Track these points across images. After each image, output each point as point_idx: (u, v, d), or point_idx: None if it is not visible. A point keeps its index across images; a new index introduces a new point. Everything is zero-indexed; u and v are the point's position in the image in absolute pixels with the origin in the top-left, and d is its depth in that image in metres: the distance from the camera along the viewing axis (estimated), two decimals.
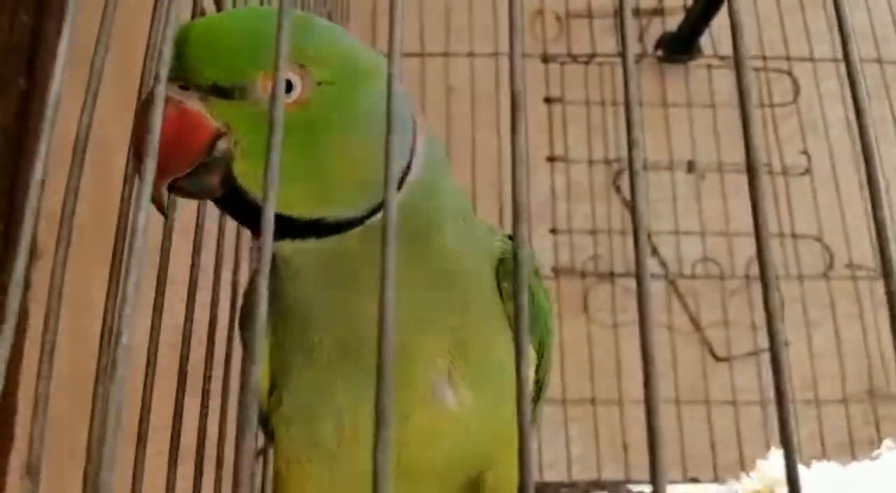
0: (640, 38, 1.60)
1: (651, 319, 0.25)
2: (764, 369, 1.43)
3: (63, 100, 0.28)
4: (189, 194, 0.42)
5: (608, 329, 1.43)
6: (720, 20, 1.48)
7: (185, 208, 0.50)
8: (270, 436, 0.56)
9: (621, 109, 1.45)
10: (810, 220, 1.50)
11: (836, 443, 1.37)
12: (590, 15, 1.58)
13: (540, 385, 0.59)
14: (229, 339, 0.60)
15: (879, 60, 1.52)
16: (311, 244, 0.44)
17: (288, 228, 0.43)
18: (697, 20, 1.50)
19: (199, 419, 0.53)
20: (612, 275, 1.47)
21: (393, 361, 0.23)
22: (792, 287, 1.46)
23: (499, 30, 1.53)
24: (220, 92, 0.40)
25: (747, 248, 1.46)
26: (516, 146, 0.25)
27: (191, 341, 0.52)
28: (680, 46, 1.57)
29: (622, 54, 0.29)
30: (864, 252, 1.47)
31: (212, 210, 0.53)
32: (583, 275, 1.47)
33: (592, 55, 1.55)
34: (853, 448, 1.37)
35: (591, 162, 1.52)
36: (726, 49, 1.54)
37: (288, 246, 0.45)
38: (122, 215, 0.39)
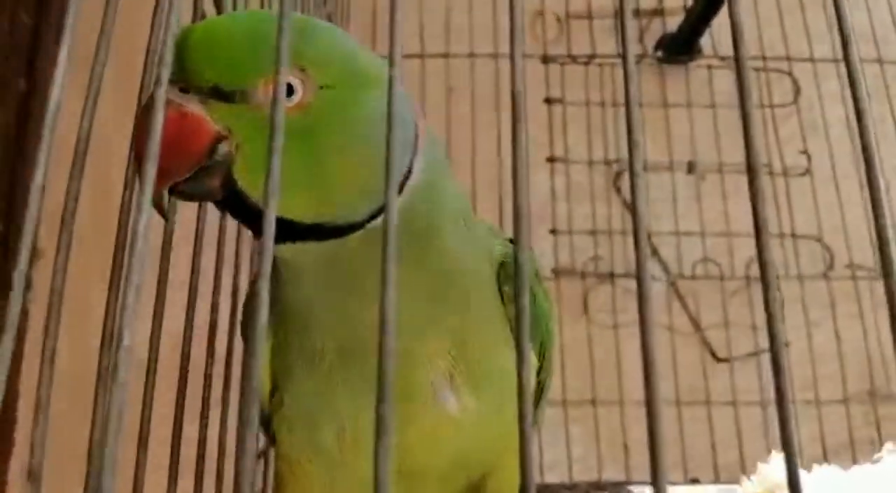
0: (641, 39, 1.60)
1: (652, 321, 0.25)
2: (764, 369, 1.43)
3: (63, 103, 0.28)
4: (189, 197, 0.42)
5: (608, 330, 1.43)
6: (720, 20, 1.48)
7: (186, 210, 0.50)
8: (271, 438, 0.56)
9: (621, 110, 1.46)
10: (810, 220, 1.50)
11: (837, 443, 1.37)
12: (590, 16, 1.58)
13: (541, 388, 0.59)
14: (230, 339, 0.60)
15: (880, 60, 1.52)
16: (311, 247, 0.44)
17: (289, 230, 0.43)
18: (697, 21, 1.50)
19: (199, 419, 0.53)
20: (612, 276, 1.47)
21: (394, 366, 0.23)
22: (792, 288, 1.46)
23: (499, 31, 1.53)
24: (221, 95, 0.40)
25: (747, 248, 1.46)
26: (517, 151, 0.25)
27: (191, 343, 0.52)
28: (680, 47, 1.57)
29: (622, 56, 0.29)
30: (865, 252, 1.47)
31: (212, 212, 0.53)
32: (583, 276, 1.47)
33: (592, 56, 1.55)
34: (854, 449, 1.37)
35: (591, 163, 1.52)
36: (726, 49, 1.54)
37: (289, 249, 0.45)
38: (123, 219, 0.39)
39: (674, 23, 1.59)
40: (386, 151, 0.25)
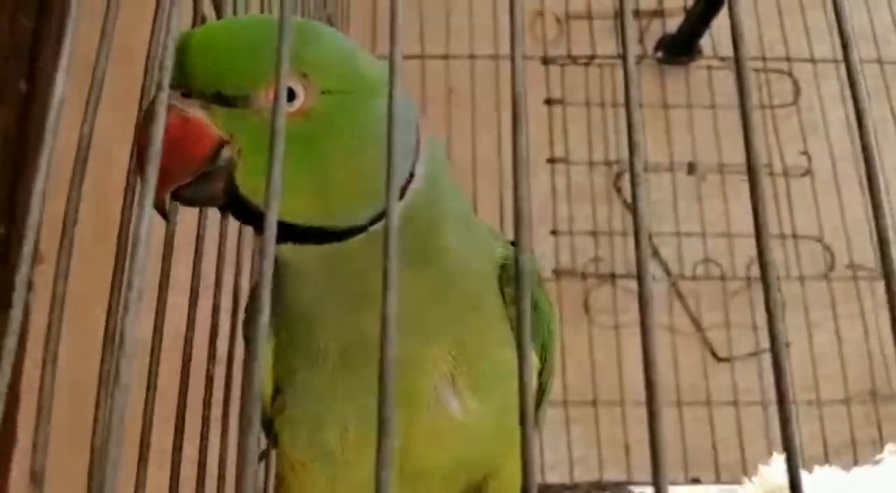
0: (640, 40, 1.60)
1: (652, 322, 0.25)
2: (765, 369, 1.43)
3: (64, 107, 0.28)
4: (191, 202, 0.42)
5: (609, 331, 1.43)
6: (720, 21, 1.48)
7: (187, 212, 0.50)
8: (273, 439, 0.56)
9: (622, 111, 1.46)
10: (811, 220, 1.50)
11: (839, 444, 1.37)
12: (590, 16, 1.58)
13: (543, 389, 0.59)
14: (231, 340, 0.60)
15: (880, 61, 1.52)
16: (314, 249, 0.44)
17: (291, 232, 0.43)
18: (697, 21, 1.50)
19: (201, 421, 0.54)
20: (613, 276, 1.47)
21: (396, 368, 0.23)
22: (793, 288, 1.46)
23: (499, 32, 1.53)
24: (223, 100, 0.40)
25: (748, 249, 1.46)
26: (517, 155, 0.25)
27: (192, 345, 0.52)
28: (680, 48, 1.57)
29: (623, 57, 0.29)
30: (866, 253, 1.47)
31: (213, 212, 0.53)
32: (584, 277, 1.47)
33: (592, 57, 1.55)
34: (855, 449, 1.37)
35: (591, 163, 1.52)
36: (726, 50, 1.54)
37: (291, 250, 0.45)
38: (124, 223, 0.39)
39: (674, 24, 1.59)
40: (387, 154, 0.25)
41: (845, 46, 0.30)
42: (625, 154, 1.47)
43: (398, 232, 0.25)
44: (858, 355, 1.42)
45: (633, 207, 0.28)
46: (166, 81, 0.27)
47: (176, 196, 0.40)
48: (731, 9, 0.30)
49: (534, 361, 0.56)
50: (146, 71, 0.45)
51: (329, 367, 0.49)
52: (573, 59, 1.56)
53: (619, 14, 0.31)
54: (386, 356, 0.22)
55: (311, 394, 0.51)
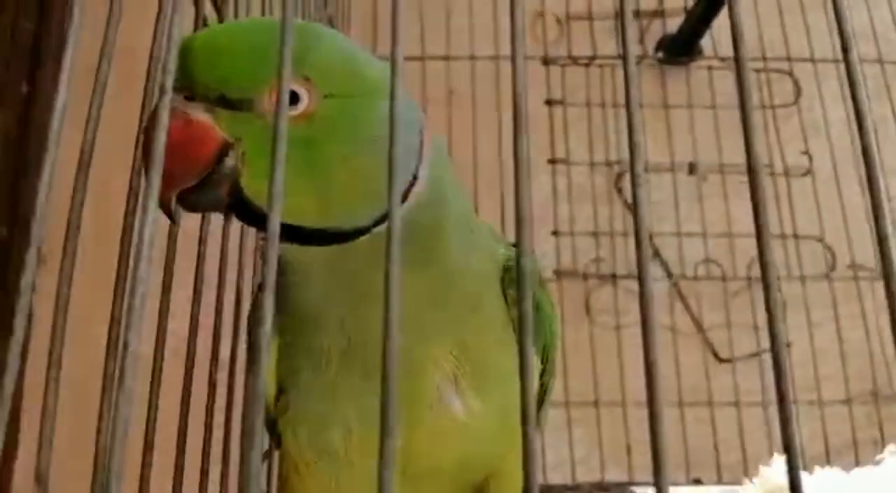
0: (641, 40, 1.60)
1: (654, 322, 0.25)
2: (766, 370, 1.43)
3: (67, 110, 0.28)
4: (195, 208, 0.42)
5: (611, 331, 1.43)
6: (721, 21, 1.48)
7: (189, 214, 0.51)
8: (276, 439, 0.56)
9: (622, 111, 1.45)
10: (812, 220, 1.50)
11: (840, 444, 1.37)
12: (590, 17, 1.58)
13: (544, 390, 0.59)
14: (234, 341, 0.61)
15: (880, 60, 1.52)
16: (318, 250, 0.44)
17: (295, 233, 0.43)
18: (698, 22, 1.50)
19: (203, 422, 0.54)
20: (614, 277, 1.47)
21: (399, 369, 0.23)
22: (794, 288, 1.46)
23: (499, 32, 1.53)
24: (227, 104, 0.40)
25: (749, 249, 1.46)
26: (518, 158, 0.25)
27: (196, 345, 0.52)
28: (681, 48, 1.57)
29: (623, 57, 0.29)
30: (867, 253, 1.47)
31: (216, 215, 0.53)
32: (585, 277, 1.47)
33: (593, 57, 1.55)
34: (857, 449, 1.37)
35: (592, 164, 1.52)
36: (727, 50, 1.54)
37: (295, 251, 0.45)
38: (127, 227, 0.39)
39: (674, 24, 1.59)
40: (388, 159, 0.25)
41: (845, 49, 0.30)
42: (625, 155, 1.47)
43: (401, 234, 0.25)
44: (860, 355, 1.42)
45: (633, 208, 0.28)
46: (169, 85, 0.28)
47: (180, 201, 0.41)
48: (731, 9, 0.30)
49: (535, 362, 0.56)
50: (149, 74, 0.45)
51: (332, 367, 0.49)
52: (574, 60, 1.56)
53: (620, 15, 0.31)
54: (388, 357, 0.22)
55: (314, 394, 0.51)
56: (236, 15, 0.65)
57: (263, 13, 0.74)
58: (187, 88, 0.40)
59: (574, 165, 1.52)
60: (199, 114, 0.40)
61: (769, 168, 1.49)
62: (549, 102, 1.54)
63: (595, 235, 1.49)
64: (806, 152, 1.52)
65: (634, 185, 0.28)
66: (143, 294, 0.23)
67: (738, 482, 0.87)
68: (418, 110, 0.47)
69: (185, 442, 0.49)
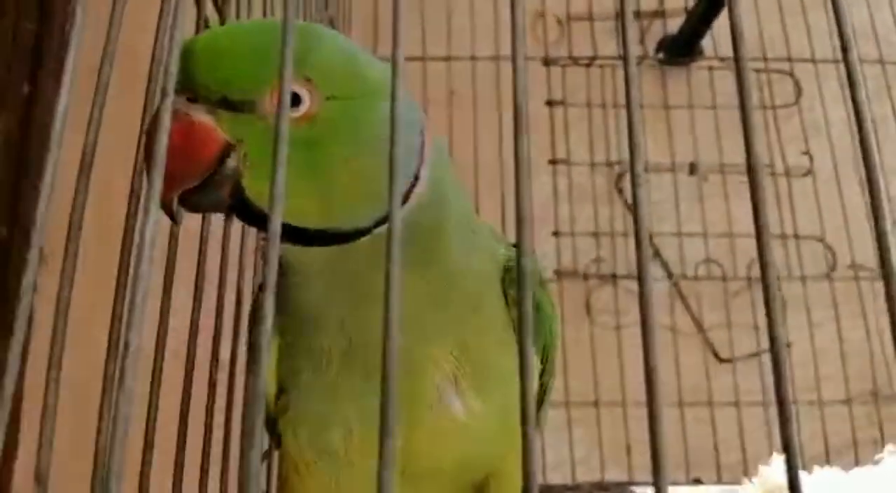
0: (642, 41, 1.60)
1: (653, 323, 0.25)
2: (766, 369, 1.43)
3: (69, 112, 0.28)
4: (197, 208, 0.43)
5: (611, 331, 1.43)
6: (721, 22, 1.48)
7: (190, 214, 0.51)
8: (276, 440, 0.56)
9: (623, 112, 1.46)
10: (813, 221, 1.50)
11: (840, 444, 1.37)
12: (591, 17, 1.58)
13: (544, 390, 0.59)
14: (234, 341, 0.61)
15: (881, 61, 1.52)
16: (319, 251, 0.44)
17: (296, 234, 0.43)
18: (698, 22, 1.50)
19: (203, 422, 0.54)
20: (614, 277, 1.47)
21: (399, 369, 0.23)
22: (794, 288, 1.46)
23: (500, 33, 1.53)
24: (229, 105, 0.40)
25: (749, 249, 1.46)
26: (519, 160, 0.25)
27: (196, 345, 0.52)
28: (681, 48, 1.57)
29: (623, 58, 0.29)
30: (867, 253, 1.47)
31: (216, 215, 0.53)
32: (585, 277, 1.47)
33: (594, 58, 1.55)
34: (856, 449, 1.37)
35: (593, 164, 1.52)
36: (727, 51, 1.54)
37: (296, 251, 0.45)
38: (129, 228, 0.40)
39: (675, 24, 1.59)
40: (389, 157, 0.25)
41: (845, 50, 0.30)
42: (626, 155, 1.47)
43: (401, 235, 0.25)
44: (860, 355, 1.43)
45: (633, 209, 0.28)
46: (171, 87, 0.28)
47: (182, 202, 0.41)
48: (731, 10, 0.30)
49: (535, 362, 0.56)
50: (151, 75, 0.45)
51: (333, 367, 0.49)
52: (574, 61, 1.56)
53: (620, 15, 0.31)
54: (388, 357, 0.23)
55: (314, 394, 0.51)
56: (238, 16, 0.66)
57: (265, 14, 0.74)
58: (189, 89, 0.40)
59: (575, 166, 1.52)
60: (201, 115, 0.40)
61: (770, 168, 1.49)
62: (549, 103, 1.54)
63: (595, 235, 1.49)
64: (806, 152, 1.52)
65: (634, 185, 0.28)
66: (144, 294, 0.23)
67: (737, 482, 0.87)
68: (419, 111, 0.47)
69: (185, 442, 0.49)
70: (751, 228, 0.27)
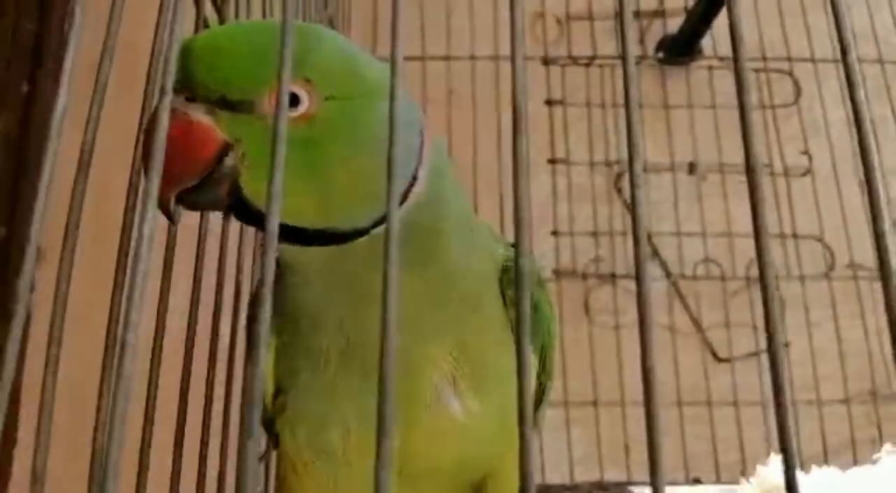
0: (641, 40, 1.60)
1: (651, 323, 0.25)
2: (765, 369, 1.43)
3: (67, 109, 0.28)
4: (195, 206, 0.43)
5: (610, 331, 1.43)
6: (721, 21, 1.48)
7: (188, 212, 0.51)
8: (274, 440, 0.56)
9: (622, 111, 1.46)
10: (811, 220, 1.50)
11: (838, 443, 1.37)
12: (590, 17, 1.58)
13: (542, 390, 0.59)
14: (232, 341, 0.61)
15: (881, 60, 1.52)
16: (317, 251, 0.44)
17: (295, 234, 0.43)
18: (698, 22, 1.50)
19: (202, 422, 0.54)
20: (613, 277, 1.47)
21: (397, 369, 0.23)
22: (793, 287, 1.46)
23: (499, 33, 1.53)
24: (227, 105, 0.40)
25: (748, 249, 1.46)
26: (518, 161, 0.25)
27: (194, 343, 0.52)
28: (681, 48, 1.57)
29: (623, 58, 0.29)
30: (866, 252, 1.47)
31: (215, 213, 0.53)
32: (584, 277, 1.47)
33: (593, 57, 1.55)
34: (855, 449, 1.37)
35: (592, 164, 1.52)
36: (727, 50, 1.54)
37: (295, 251, 0.45)
38: (126, 226, 0.40)
39: (674, 24, 1.59)
40: (387, 161, 0.25)
41: (844, 51, 0.30)
42: (625, 155, 1.46)
43: (399, 235, 0.25)
44: (858, 354, 1.43)
45: (632, 210, 0.28)
46: (170, 86, 0.28)
47: (180, 200, 0.41)
48: (730, 10, 0.30)
49: (533, 362, 0.56)
50: (149, 75, 0.45)
51: (331, 367, 0.49)
52: (574, 60, 1.56)
53: (619, 15, 0.31)
54: (386, 358, 0.23)
55: (312, 394, 0.51)
56: (237, 16, 0.66)
57: (264, 15, 0.74)
58: (188, 89, 0.40)
59: (574, 165, 1.52)
60: (200, 115, 0.40)
61: (769, 168, 1.49)
62: (549, 102, 1.54)
63: (594, 234, 1.49)
64: (806, 152, 1.52)
65: (633, 186, 0.28)
66: (142, 292, 0.23)
67: (736, 482, 0.87)
68: (419, 111, 0.47)
69: (182, 438, 0.49)
70: (750, 228, 0.27)
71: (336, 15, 1.25)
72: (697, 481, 1.30)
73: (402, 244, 0.25)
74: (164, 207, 0.40)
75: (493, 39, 1.51)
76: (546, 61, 1.56)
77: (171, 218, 0.41)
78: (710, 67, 1.57)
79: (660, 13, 1.61)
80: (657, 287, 1.47)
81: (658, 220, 1.50)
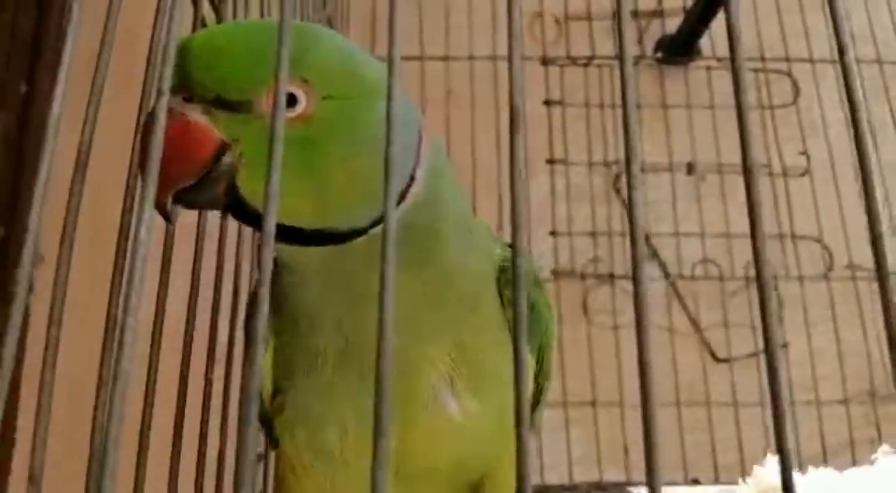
0: (640, 40, 1.60)
1: (648, 324, 0.25)
2: (764, 370, 1.43)
3: (65, 109, 0.28)
4: (192, 205, 0.43)
5: (608, 331, 1.43)
6: (719, 22, 1.48)
7: (186, 211, 0.51)
8: (272, 440, 0.56)
9: (621, 111, 1.46)
10: (810, 221, 1.50)
11: (837, 444, 1.37)
12: (589, 17, 1.58)
13: (540, 391, 0.59)
14: (230, 342, 0.61)
15: (879, 61, 1.52)
16: (315, 251, 0.44)
17: (292, 234, 0.43)
18: (696, 22, 1.50)
19: (199, 423, 0.54)
20: (612, 277, 1.47)
21: (394, 370, 0.23)
22: (792, 288, 1.46)
23: (498, 32, 1.53)
24: (225, 105, 0.40)
25: (747, 249, 1.46)
26: (515, 163, 0.25)
27: (192, 343, 0.52)
28: (679, 48, 1.57)
29: (620, 59, 0.29)
30: (864, 253, 1.47)
31: (213, 212, 0.53)
32: (583, 277, 1.47)
33: (591, 57, 1.55)
34: (854, 449, 1.37)
35: (590, 164, 1.52)
36: (725, 51, 1.54)
37: (292, 251, 0.45)
38: (124, 226, 0.40)
39: (673, 24, 1.59)
40: (384, 161, 0.25)
41: (841, 52, 0.30)
42: (623, 155, 1.46)
43: (396, 235, 0.25)
44: (857, 355, 1.43)
45: (629, 211, 0.28)
46: (167, 86, 0.28)
47: (177, 199, 0.41)
48: (727, 11, 0.30)
49: (530, 362, 0.56)
50: (147, 74, 0.45)
51: (329, 367, 0.49)
52: (572, 60, 1.56)
53: (617, 16, 0.31)
54: (382, 359, 0.23)
55: (310, 394, 0.51)
56: (235, 15, 0.66)
57: (262, 14, 0.74)
58: (185, 89, 0.40)
59: (572, 166, 1.52)
60: (197, 115, 0.40)
61: (767, 168, 1.49)
62: (547, 103, 1.54)
63: (593, 235, 1.49)
64: (804, 153, 1.52)
65: (630, 187, 0.28)
66: (139, 294, 0.23)
67: (734, 482, 0.87)
68: (417, 111, 0.47)
69: (181, 438, 0.49)
70: (748, 229, 0.27)
71: (335, 14, 1.24)
72: (696, 481, 1.30)
73: (400, 244, 0.25)
74: (160, 207, 0.40)
75: (491, 39, 1.51)
76: (544, 61, 1.56)
77: (168, 218, 0.41)
78: (709, 68, 1.57)
79: (658, 13, 1.61)
80: (656, 288, 1.47)
81: (656, 220, 1.50)
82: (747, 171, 0.28)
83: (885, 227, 0.29)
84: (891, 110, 1.50)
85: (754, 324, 1.44)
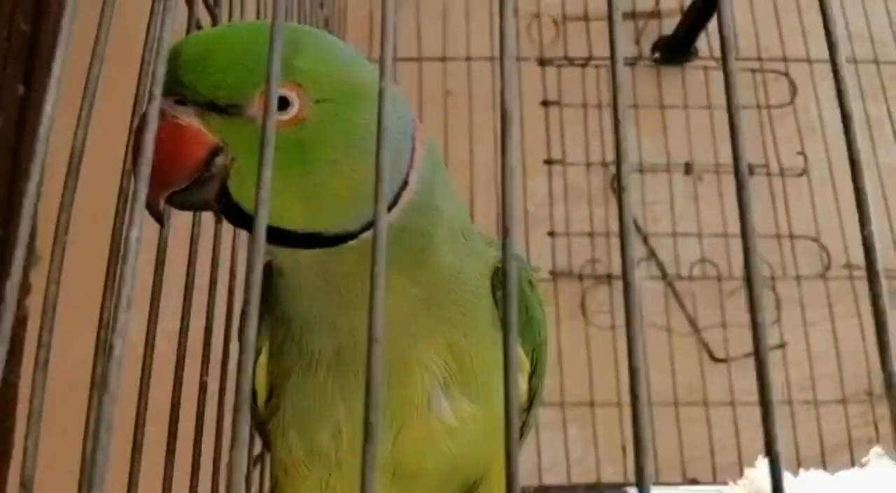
0: (637, 41, 1.61)
1: (638, 326, 0.25)
2: None
3: (58, 110, 0.28)
4: (184, 207, 0.43)
5: (606, 331, 1.43)
6: (716, 23, 1.48)
7: (181, 214, 0.51)
8: (267, 443, 0.56)
9: None
10: (807, 220, 1.50)
11: (835, 443, 1.38)
12: (586, 18, 1.58)
13: (533, 393, 0.59)
14: (226, 342, 0.61)
15: (876, 61, 1.52)
16: (307, 254, 0.44)
17: (285, 237, 0.43)
18: (694, 23, 1.50)
19: (195, 423, 0.54)
20: (609, 277, 1.47)
21: (388, 372, 0.23)
22: (789, 288, 1.46)
23: (496, 33, 1.52)
24: (217, 108, 0.40)
25: None
26: (506, 165, 0.25)
27: (186, 345, 0.52)
28: (676, 49, 1.57)
29: (612, 61, 0.29)
30: (862, 253, 1.46)
31: (207, 213, 0.53)
32: (580, 278, 1.47)
33: (589, 58, 1.55)
34: (852, 449, 1.37)
35: (588, 165, 1.52)
36: None
37: (285, 254, 0.45)
38: (117, 228, 0.40)
39: (670, 25, 1.59)
40: (375, 165, 0.25)
41: (831, 47, 0.30)
42: None
43: (388, 240, 0.25)
44: (855, 354, 1.43)
45: (619, 214, 0.28)
46: (159, 90, 0.28)
47: (170, 201, 0.41)
48: (720, 20, 0.31)
49: (524, 365, 0.56)
50: (140, 77, 0.45)
51: (322, 370, 0.49)
52: (570, 61, 1.56)
53: (608, 20, 0.31)
54: (372, 363, 0.23)
55: (304, 396, 0.51)
56: (230, 17, 0.66)
57: (258, 16, 0.74)
58: (177, 92, 0.40)
59: (570, 166, 1.52)
60: (190, 118, 0.40)
61: (765, 168, 1.50)
62: (544, 103, 1.54)
63: (591, 235, 1.49)
64: (801, 152, 1.52)
65: (620, 189, 0.28)
66: (129, 297, 0.23)
67: (734, 482, 0.87)
68: (410, 116, 0.47)
69: (175, 442, 0.49)
70: None
71: (332, 15, 1.24)
72: (694, 481, 1.30)
73: (393, 248, 0.25)
74: (153, 209, 0.40)
75: (489, 40, 1.51)
76: (542, 62, 1.56)
77: (161, 220, 0.41)
78: (706, 68, 1.57)
79: (655, 14, 1.61)
80: (653, 287, 1.47)
81: (654, 220, 1.50)
82: (738, 173, 0.28)
83: (874, 228, 0.29)
84: (888, 110, 1.50)
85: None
